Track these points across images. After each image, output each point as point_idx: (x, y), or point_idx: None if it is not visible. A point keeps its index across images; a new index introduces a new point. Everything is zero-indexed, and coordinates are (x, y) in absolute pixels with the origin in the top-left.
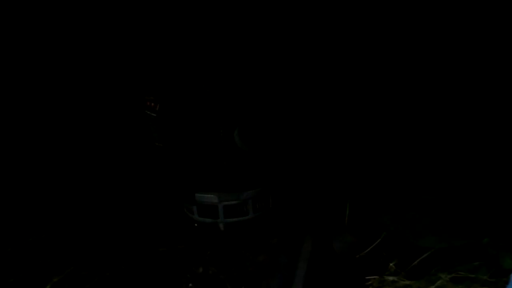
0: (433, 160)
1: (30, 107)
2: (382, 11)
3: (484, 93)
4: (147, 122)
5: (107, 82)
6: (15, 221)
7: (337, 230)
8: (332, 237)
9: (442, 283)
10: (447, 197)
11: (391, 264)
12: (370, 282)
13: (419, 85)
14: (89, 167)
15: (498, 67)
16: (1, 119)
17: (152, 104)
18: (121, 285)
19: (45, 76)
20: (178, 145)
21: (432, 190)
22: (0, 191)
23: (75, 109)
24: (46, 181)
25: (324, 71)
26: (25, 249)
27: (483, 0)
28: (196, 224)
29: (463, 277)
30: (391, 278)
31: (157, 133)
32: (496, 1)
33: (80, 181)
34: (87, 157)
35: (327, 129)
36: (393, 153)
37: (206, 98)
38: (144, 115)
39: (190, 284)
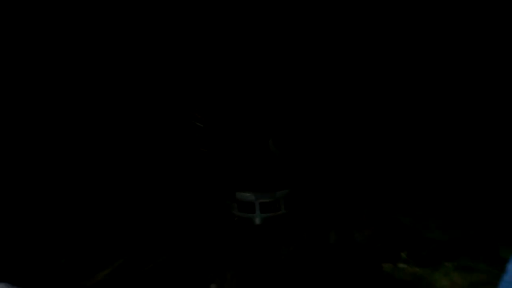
0: (436, 168)
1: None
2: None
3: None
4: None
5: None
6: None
7: (358, 225)
8: (353, 231)
9: (446, 270)
10: (449, 199)
11: (402, 254)
12: (384, 268)
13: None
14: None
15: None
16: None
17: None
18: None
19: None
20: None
21: (435, 193)
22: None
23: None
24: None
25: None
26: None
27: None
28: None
29: (465, 266)
30: (402, 265)
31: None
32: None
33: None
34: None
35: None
36: (404, 161)
37: (251, 118)
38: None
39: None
